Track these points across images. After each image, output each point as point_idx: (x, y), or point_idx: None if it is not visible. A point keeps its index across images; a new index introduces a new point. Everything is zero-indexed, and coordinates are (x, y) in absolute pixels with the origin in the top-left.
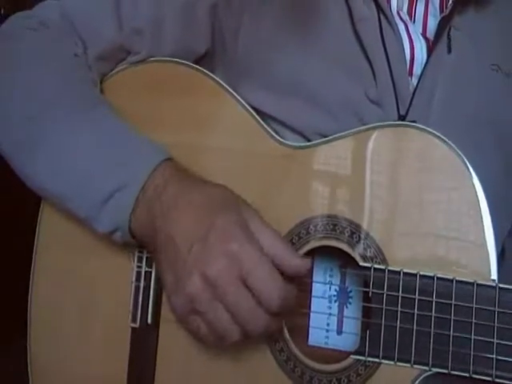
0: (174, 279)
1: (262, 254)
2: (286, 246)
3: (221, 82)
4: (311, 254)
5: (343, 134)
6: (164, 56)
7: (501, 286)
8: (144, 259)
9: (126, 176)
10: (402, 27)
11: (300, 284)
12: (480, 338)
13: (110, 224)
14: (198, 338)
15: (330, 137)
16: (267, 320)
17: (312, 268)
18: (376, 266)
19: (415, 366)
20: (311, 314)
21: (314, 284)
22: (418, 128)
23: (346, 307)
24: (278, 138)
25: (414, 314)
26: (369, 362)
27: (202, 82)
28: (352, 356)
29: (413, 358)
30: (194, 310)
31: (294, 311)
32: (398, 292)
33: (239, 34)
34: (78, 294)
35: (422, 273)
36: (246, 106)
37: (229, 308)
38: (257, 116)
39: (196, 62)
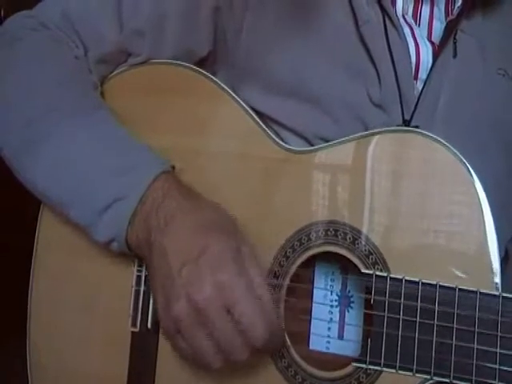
0: (163, 298)
1: (251, 287)
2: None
3: (221, 84)
4: (313, 259)
5: (345, 138)
6: (165, 58)
7: (504, 295)
8: (144, 264)
9: (124, 187)
10: (407, 31)
11: (301, 290)
12: (482, 347)
13: (107, 234)
14: (182, 356)
15: (332, 141)
16: (247, 353)
17: (313, 274)
18: (378, 273)
19: (417, 374)
20: (312, 320)
21: (315, 290)
22: (420, 133)
23: (348, 312)
24: (279, 141)
25: (415, 322)
26: (370, 369)
27: (203, 85)
28: (353, 364)
29: (415, 367)
30: (179, 331)
31: (295, 317)
32: (400, 300)
33: (241, 35)
34: (78, 296)
35: (424, 280)
36: (247, 108)
37: (211, 336)
38: (258, 119)
39: (198, 65)
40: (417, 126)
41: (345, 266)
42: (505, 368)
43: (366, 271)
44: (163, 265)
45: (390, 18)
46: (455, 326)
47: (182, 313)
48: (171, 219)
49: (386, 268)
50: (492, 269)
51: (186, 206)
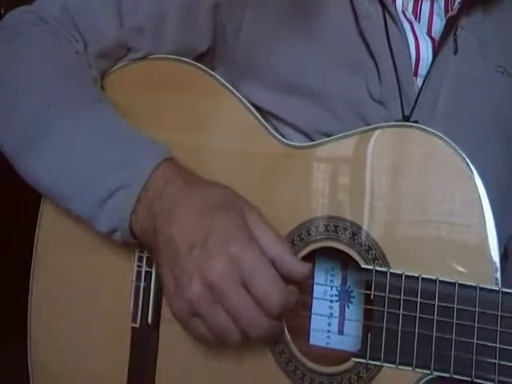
0: (173, 282)
1: (262, 256)
2: (286, 249)
3: (221, 79)
4: (312, 255)
5: (345, 133)
6: (165, 53)
7: (504, 290)
8: (144, 259)
9: (127, 175)
10: (407, 26)
11: (301, 285)
12: (482, 342)
13: (110, 223)
14: (200, 339)
15: (332, 137)
16: (267, 323)
17: (313, 269)
18: (378, 268)
19: (417, 369)
20: (312, 316)
21: (315, 285)
22: (420, 128)
23: (348, 307)
24: (279, 136)
25: (415, 317)
26: (370, 364)
27: (203, 80)
28: (353, 359)
29: (414, 362)
30: (194, 312)
31: (294, 313)
32: (400, 295)
33: (241, 31)
34: (79, 293)
35: (424, 276)
36: (247, 104)
37: (229, 311)
38: (258, 114)
39: (197, 60)
40: (416, 121)
41: (345, 262)
42: (504, 363)
43: (366, 266)
44: (171, 251)
45: (390, 14)
46: (455, 320)
47: (197, 294)
48: (174, 205)
49: (385, 263)
50: (492, 264)
51: (188, 191)
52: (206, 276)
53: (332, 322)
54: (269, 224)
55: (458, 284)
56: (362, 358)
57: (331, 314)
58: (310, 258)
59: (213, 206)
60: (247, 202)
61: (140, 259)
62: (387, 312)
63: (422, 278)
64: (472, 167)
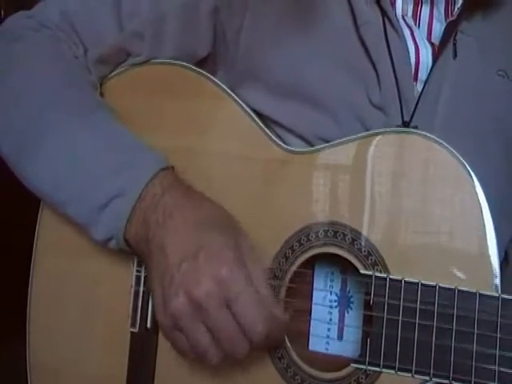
0: (161, 294)
1: (250, 282)
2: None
3: (222, 85)
4: (312, 260)
5: (345, 139)
6: (164, 58)
7: (503, 296)
8: (142, 261)
9: (123, 184)
10: (406, 32)
11: (300, 292)
12: (482, 348)
13: (105, 231)
14: (179, 352)
15: (332, 142)
16: (248, 348)
17: (313, 275)
18: (377, 274)
19: (416, 375)
20: (311, 321)
21: (314, 291)
22: (420, 134)
23: (347, 313)
24: (279, 142)
25: (415, 323)
26: (369, 370)
27: (203, 85)
28: (352, 365)
29: (414, 368)
30: (177, 326)
31: (294, 318)
32: (400, 301)
33: (241, 34)
34: (78, 297)
35: (423, 282)
36: (247, 109)
37: (211, 331)
38: (258, 120)
39: (198, 65)
40: (416, 127)
41: (344, 267)
42: (504, 369)
43: (366, 272)
44: (161, 261)
45: (390, 20)
46: (454, 327)
47: (181, 308)
48: (170, 216)
49: (385, 269)
50: (492, 270)
51: (184, 204)
52: (192, 292)
53: (331, 327)
54: (257, 255)
55: (458, 290)
56: (361, 363)
57: (330, 319)
58: (310, 263)
59: (207, 223)
60: (240, 227)
61: (139, 264)
62: (386, 318)
63: (422, 284)
64: (472, 174)
